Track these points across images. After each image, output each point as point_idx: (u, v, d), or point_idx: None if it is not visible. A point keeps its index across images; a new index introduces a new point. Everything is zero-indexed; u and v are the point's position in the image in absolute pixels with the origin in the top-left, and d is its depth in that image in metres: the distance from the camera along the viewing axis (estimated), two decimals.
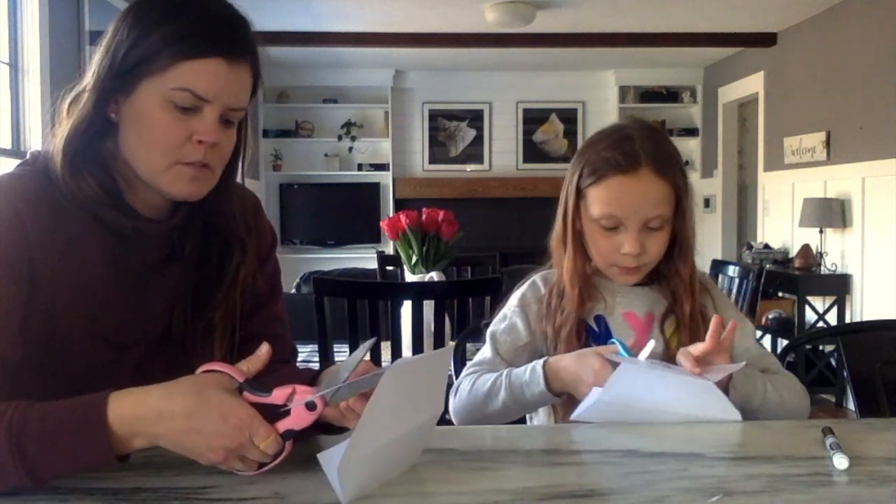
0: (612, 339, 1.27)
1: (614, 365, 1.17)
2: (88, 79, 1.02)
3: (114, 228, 1.05)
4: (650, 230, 1.30)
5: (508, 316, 1.41)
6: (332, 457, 0.84)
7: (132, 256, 1.07)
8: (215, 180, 1.07)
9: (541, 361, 1.27)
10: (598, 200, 1.30)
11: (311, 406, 0.89)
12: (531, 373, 1.27)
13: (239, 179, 1.15)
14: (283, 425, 0.88)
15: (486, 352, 1.39)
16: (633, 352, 1.21)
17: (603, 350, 1.21)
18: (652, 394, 1.14)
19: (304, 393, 0.90)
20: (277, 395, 0.89)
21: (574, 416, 1.17)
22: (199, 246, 1.13)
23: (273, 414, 0.88)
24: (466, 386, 1.33)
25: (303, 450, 0.91)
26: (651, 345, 1.20)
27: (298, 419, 0.89)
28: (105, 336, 1.05)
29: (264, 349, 0.94)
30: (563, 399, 1.27)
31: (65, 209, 1.01)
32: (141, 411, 0.85)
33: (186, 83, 0.98)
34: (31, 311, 0.98)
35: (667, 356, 1.31)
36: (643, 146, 1.29)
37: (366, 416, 0.81)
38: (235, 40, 1.02)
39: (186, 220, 1.11)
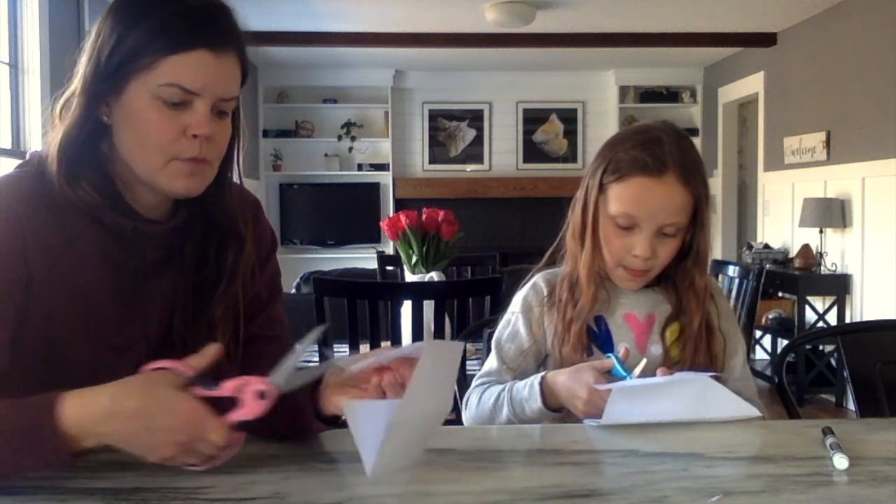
0: (608, 354, 1.26)
1: (609, 379, 1.17)
2: (76, 83, 1.01)
3: (113, 229, 1.04)
4: (664, 236, 1.29)
5: (511, 322, 1.40)
6: (364, 411, 0.89)
7: (131, 258, 1.06)
8: (213, 174, 1.06)
9: (539, 377, 1.27)
10: (618, 198, 1.29)
11: (262, 395, 0.89)
12: (529, 389, 1.27)
13: (237, 178, 1.14)
14: (235, 416, 0.89)
15: (492, 362, 1.39)
16: (629, 366, 1.20)
17: (598, 365, 1.21)
18: (654, 409, 1.14)
19: (254, 383, 0.90)
20: (227, 388, 0.90)
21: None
22: (198, 247, 1.12)
23: (225, 407, 0.89)
24: (474, 400, 1.35)
25: (303, 450, 0.91)
26: (644, 363, 1.19)
27: (250, 409, 0.89)
28: (104, 338, 1.04)
29: (212, 349, 0.95)
30: (564, 413, 1.27)
31: (63, 210, 1.01)
32: (91, 412, 0.85)
33: (173, 78, 0.97)
34: (29, 314, 0.97)
35: (665, 362, 1.31)
36: (671, 151, 1.27)
37: (413, 381, 0.85)
38: (218, 30, 1.00)
39: (186, 221, 1.11)
